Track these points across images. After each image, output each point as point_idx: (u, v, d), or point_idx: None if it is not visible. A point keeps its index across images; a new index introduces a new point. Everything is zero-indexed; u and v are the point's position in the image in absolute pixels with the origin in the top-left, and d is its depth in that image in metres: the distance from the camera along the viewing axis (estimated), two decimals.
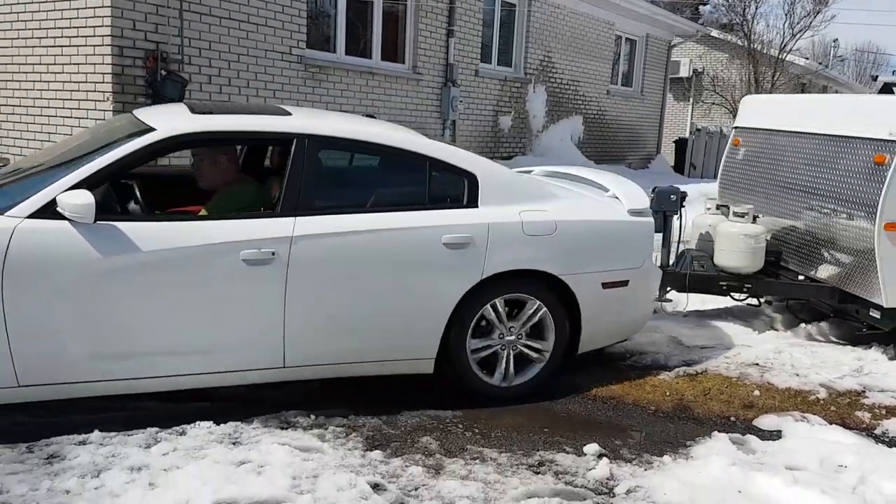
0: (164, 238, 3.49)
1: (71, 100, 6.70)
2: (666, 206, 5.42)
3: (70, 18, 6.57)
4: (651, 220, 4.52)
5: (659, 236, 5.28)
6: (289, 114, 4.10)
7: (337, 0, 8.92)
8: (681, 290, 5.42)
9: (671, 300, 5.73)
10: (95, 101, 6.51)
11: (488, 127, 11.77)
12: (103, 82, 6.44)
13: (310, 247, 3.71)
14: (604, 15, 14.17)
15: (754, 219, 5.35)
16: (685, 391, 4.45)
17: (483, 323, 4.16)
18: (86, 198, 3.27)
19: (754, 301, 5.72)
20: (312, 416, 3.73)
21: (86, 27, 6.46)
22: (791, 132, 5.47)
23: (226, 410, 3.72)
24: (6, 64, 7.13)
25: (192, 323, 3.58)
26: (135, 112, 4.16)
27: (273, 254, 3.63)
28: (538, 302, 4.19)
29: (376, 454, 3.42)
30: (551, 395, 4.29)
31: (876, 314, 4.79)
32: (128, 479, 2.98)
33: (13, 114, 7.17)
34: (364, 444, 3.51)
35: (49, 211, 3.30)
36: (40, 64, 6.85)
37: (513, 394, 4.20)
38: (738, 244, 5.22)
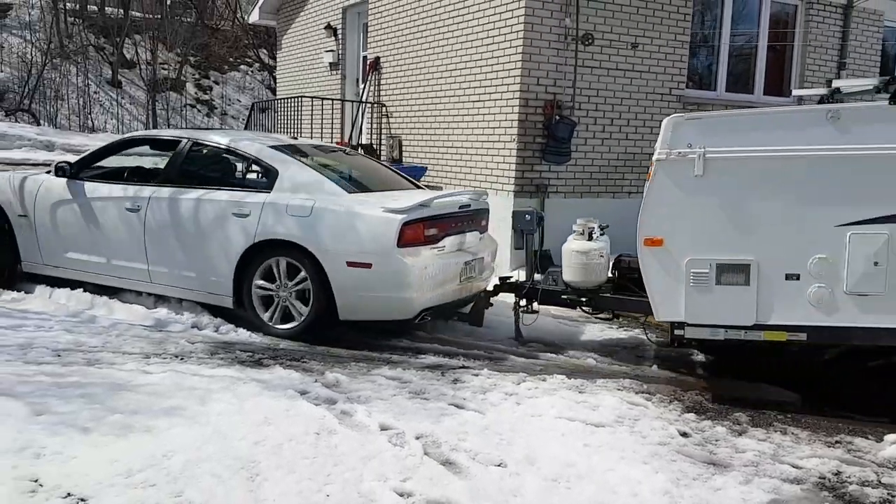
0: (97, 191, 6.12)
1: (488, 141, 8.55)
2: (523, 226, 5.68)
3: (492, 79, 8.44)
4: (396, 217, 5.17)
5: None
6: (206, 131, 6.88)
7: (719, 43, 9.63)
8: (539, 303, 5.69)
9: (537, 311, 5.85)
10: (504, 141, 8.24)
11: None
12: (511, 127, 8.14)
13: (157, 205, 5.83)
14: None
15: (590, 236, 5.42)
16: None
17: (266, 277, 5.49)
18: (57, 167, 6.32)
19: (604, 315, 5.75)
20: (644, 385, 4.66)
21: (502, 85, 8.26)
22: None
23: (577, 372, 4.84)
24: (451, 119, 9.33)
25: (103, 243, 6.05)
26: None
27: (138, 207, 5.88)
28: (301, 267, 5.34)
29: (690, 416, 4.23)
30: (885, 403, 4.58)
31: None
32: (503, 398, 4.28)
33: (446, 154, 9.34)
34: (682, 409, 4.34)
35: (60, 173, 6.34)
36: (468, 114, 8.86)
37: (282, 333, 5.41)
38: (572, 260, 5.41)
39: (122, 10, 28.56)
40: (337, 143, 10.83)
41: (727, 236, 4.37)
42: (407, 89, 10.08)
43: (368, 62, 10.84)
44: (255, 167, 5.96)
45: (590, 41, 8.11)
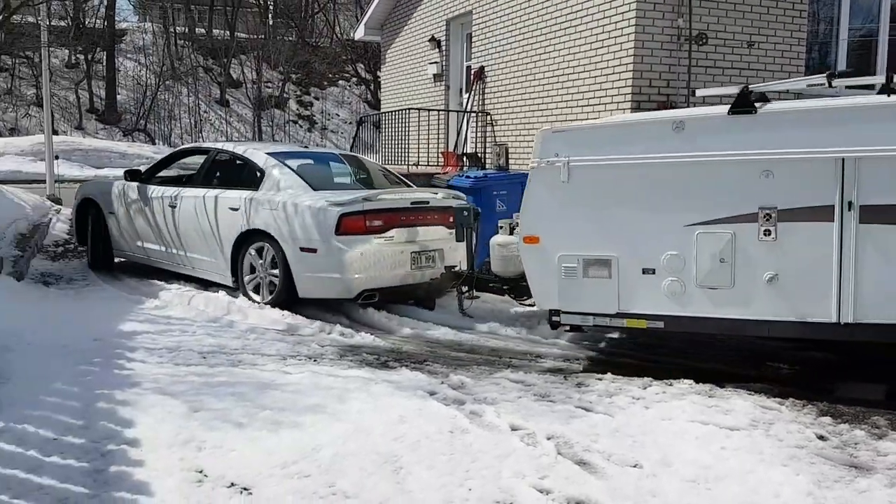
0: (155, 191, 7.44)
1: None
2: (463, 221, 6.21)
3: (601, 83, 8.43)
4: (335, 209, 5.97)
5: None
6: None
7: (837, 38, 9.29)
8: (475, 289, 6.24)
9: (478, 296, 6.35)
10: None
11: None
12: None
13: (185, 201, 7.08)
14: None
15: (511, 231, 5.91)
16: None
17: (252, 269, 6.45)
18: (127, 172, 7.93)
19: (529, 302, 5.83)
20: (777, 389, 4.55)
21: (612, 88, 8.23)
22: None
23: (705, 378, 4.77)
24: (562, 121, 9.37)
25: (156, 233, 7.43)
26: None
27: (175, 204, 7.14)
28: (272, 251, 6.23)
29: (826, 419, 4.11)
30: None
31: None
32: (630, 402, 4.27)
33: None
34: (817, 413, 4.22)
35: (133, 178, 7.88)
36: (576, 119, 8.86)
37: (270, 303, 6.22)
38: (494, 252, 5.99)
39: (228, 32, 29.94)
40: (442, 153, 11.04)
41: (591, 235, 4.81)
42: (512, 97, 10.17)
43: (473, 72, 10.99)
44: (253, 170, 6.79)
45: (704, 41, 8.00)
